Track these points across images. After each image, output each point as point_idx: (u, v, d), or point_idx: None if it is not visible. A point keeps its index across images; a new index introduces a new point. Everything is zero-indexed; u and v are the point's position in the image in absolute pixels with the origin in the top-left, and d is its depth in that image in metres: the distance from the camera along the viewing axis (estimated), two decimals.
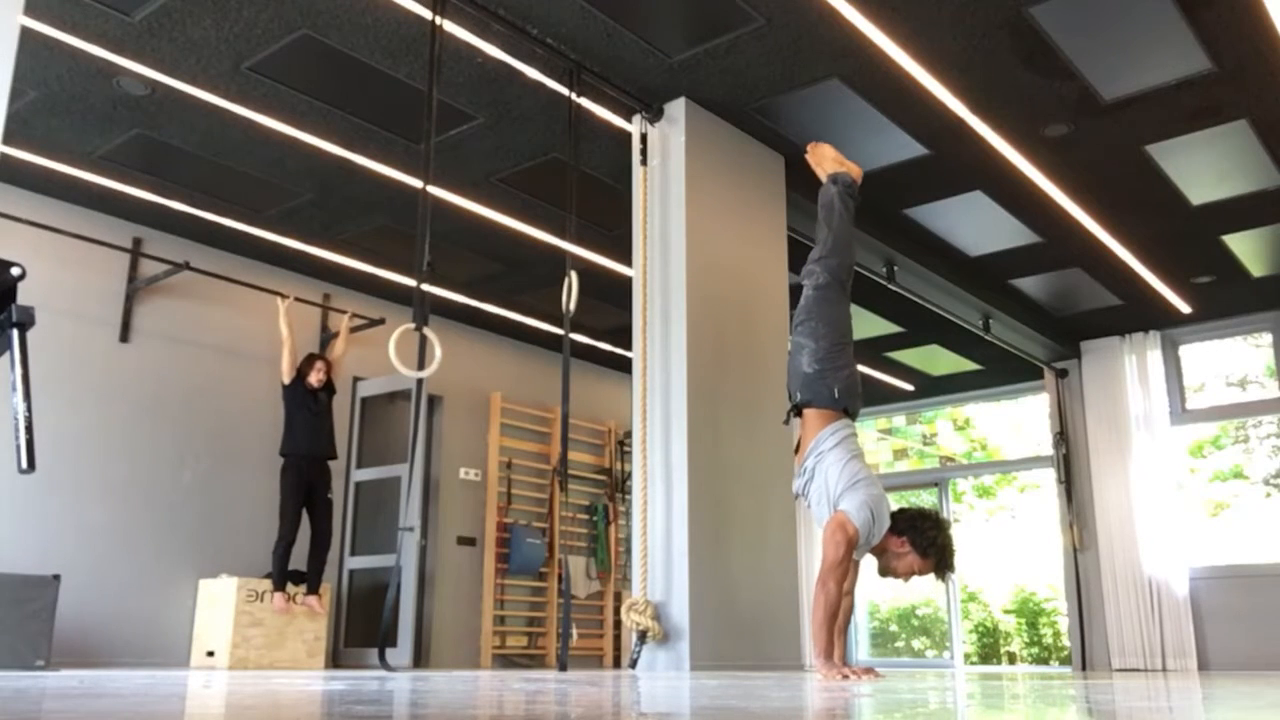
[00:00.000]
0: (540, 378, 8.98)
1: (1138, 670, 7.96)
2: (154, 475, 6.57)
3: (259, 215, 6.62)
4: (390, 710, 1.78)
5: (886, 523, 3.86)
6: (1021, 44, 4.71)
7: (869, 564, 4.11)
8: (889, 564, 3.96)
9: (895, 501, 4.08)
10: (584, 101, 5.02)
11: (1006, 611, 11.84)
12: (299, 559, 6.63)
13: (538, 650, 8.52)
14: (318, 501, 6.55)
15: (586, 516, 9.17)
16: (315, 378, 6.69)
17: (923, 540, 3.87)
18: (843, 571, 3.80)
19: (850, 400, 4.07)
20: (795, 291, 4.62)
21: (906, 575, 3.96)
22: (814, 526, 5.15)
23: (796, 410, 4.12)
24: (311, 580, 6.47)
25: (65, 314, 6.28)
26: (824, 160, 4.56)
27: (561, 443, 5.06)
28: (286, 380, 6.61)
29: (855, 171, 4.49)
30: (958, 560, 4.01)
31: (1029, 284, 7.72)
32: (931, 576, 3.99)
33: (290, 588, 6.38)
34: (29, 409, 1.89)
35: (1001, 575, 11.85)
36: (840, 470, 3.89)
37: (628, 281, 5.21)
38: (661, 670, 4.55)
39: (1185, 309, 8.12)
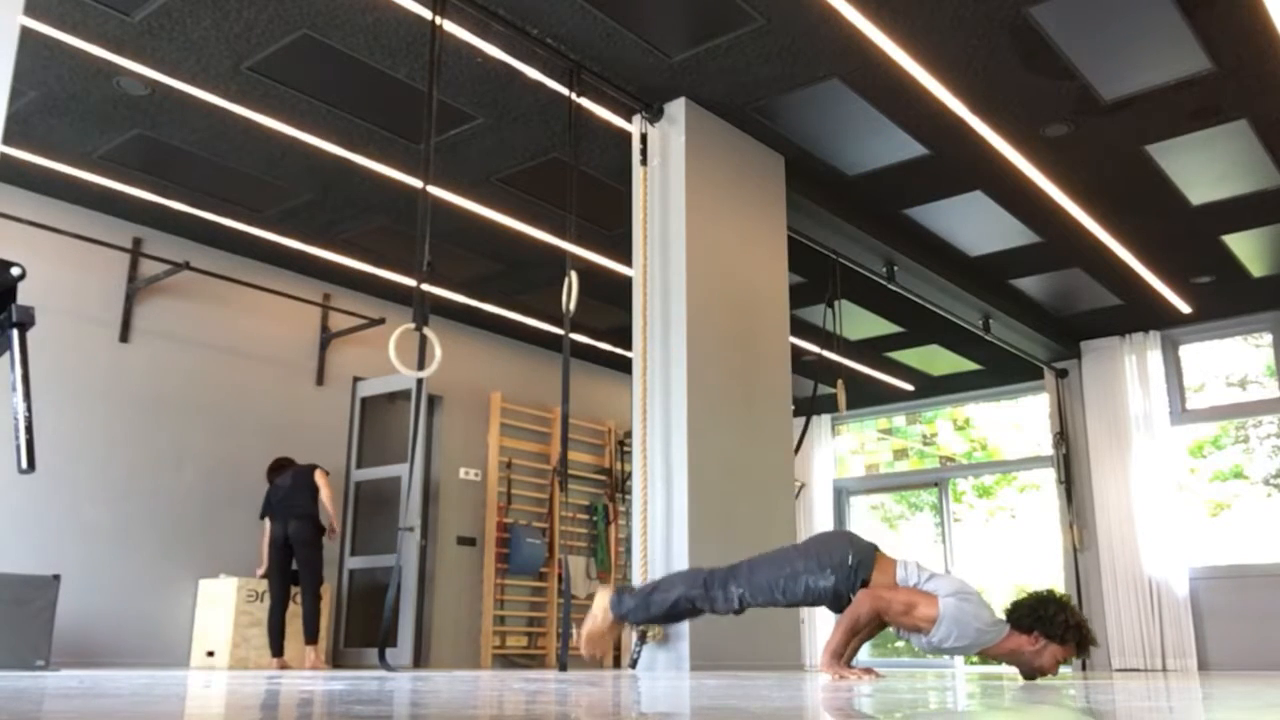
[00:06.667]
0: (540, 378, 8.97)
1: (1138, 670, 7.96)
2: (154, 475, 6.57)
3: (259, 215, 6.62)
4: (390, 710, 1.78)
5: (964, 639, 3.70)
6: (1021, 44, 4.71)
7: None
8: (1031, 664, 3.77)
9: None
10: (584, 101, 5.02)
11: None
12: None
13: (538, 650, 8.52)
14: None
15: (586, 516, 9.17)
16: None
17: (1056, 629, 3.71)
18: (885, 615, 3.71)
19: (860, 551, 3.86)
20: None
21: (1054, 668, 3.78)
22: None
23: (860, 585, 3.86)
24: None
25: (65, 314, 6.28)
26: (597, 640, 4.08)
27: (561, 443, 5.06)
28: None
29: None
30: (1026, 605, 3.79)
31: (1029, 284, 7.72)
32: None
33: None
34: (29, 409, 1.89)
35: (1001, 575, 11.84)
36: (939, 579, 3.76)
37: (628, 281, 5.21)
38: (661, 670, 4.55)
39: (1185, 309, 8.12)
